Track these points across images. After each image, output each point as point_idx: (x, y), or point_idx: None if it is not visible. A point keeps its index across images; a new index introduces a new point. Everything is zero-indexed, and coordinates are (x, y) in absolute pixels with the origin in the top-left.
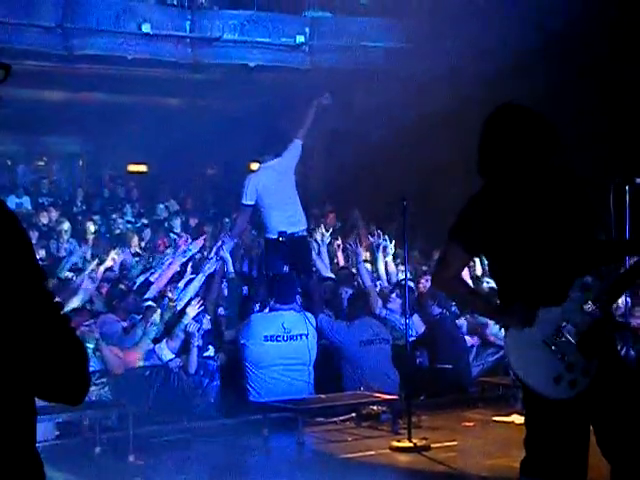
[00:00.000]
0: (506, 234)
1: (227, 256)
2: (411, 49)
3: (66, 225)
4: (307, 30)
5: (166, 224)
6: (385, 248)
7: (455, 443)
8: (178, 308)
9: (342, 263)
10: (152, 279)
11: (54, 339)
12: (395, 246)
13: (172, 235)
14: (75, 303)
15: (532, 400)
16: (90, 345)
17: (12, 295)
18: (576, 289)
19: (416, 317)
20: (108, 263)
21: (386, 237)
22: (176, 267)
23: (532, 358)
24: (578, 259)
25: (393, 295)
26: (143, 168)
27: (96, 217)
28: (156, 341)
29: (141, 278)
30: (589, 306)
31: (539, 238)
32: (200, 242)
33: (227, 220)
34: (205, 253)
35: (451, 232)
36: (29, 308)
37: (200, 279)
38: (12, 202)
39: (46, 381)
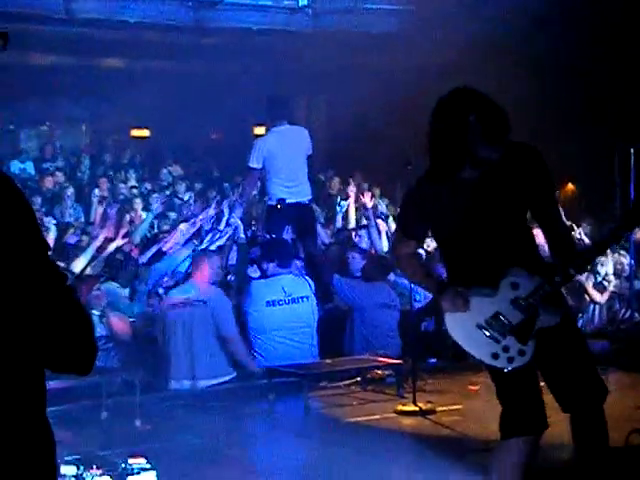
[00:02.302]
0: (441, 219)
1: (238, 222)
2: (415, 11)
3: (70, 190)
4: None
5: (170, 189)
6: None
7: (460, 407)
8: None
9: (353, 224)
10: (165, 248)
11: (60, 310)
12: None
13: (176, 200)
14: (79, 266)
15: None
16: (96, 312)
17: (18, 267)
18: (506, 284)
19: None
20: (119, 242)
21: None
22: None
23: (469, 338)
24: (511, 245)
25: None
26: (146, 133)
27: (100, 181)
28: None
29: (153, 249)
30: (520, 300)
31: (472, 223)
32: (211, 212)
33: (227, 185)
34: (213, 222)
35: (397, 218)
36: (35, 280)
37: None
38: (15, 167)
39: (53, 351)
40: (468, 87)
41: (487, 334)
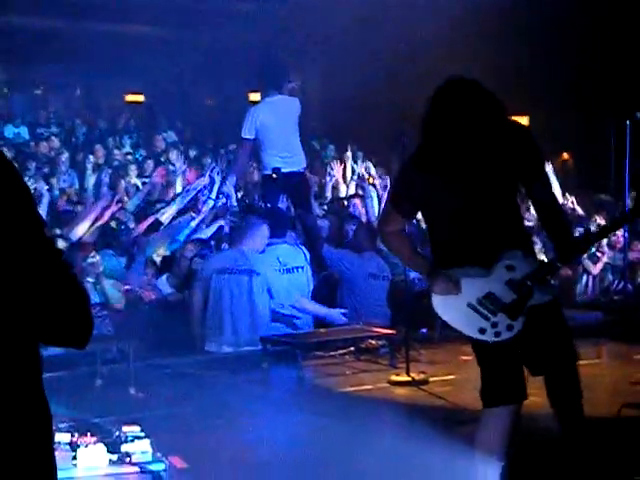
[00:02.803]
0: (433, 198)
1: (231, 191)
2: None
3: (65, 156)
4: None
5: (164, 156)
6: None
7: (453, 377)
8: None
9: (344, 193)
10: (162, 219)
11: (56, 285)
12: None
13: (170, 167)
14: (77, 234)
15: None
16: (91, 279)
17: (13, 243)
18: (501, 266)
19: None
20: (113, 209)
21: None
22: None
23: (458, 315)
24: (502, 224)
25: None
26: (140, 98)
27: (95, 147)
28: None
29: (150, 219)
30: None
31: (463, 203)
32: (205, 180)
33: (223, 151)
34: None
35: (388, 194)
36: (30, 256)
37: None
38: (10, 131)
39: (49, 326)
40: (464, 78)
41: (477, 312)
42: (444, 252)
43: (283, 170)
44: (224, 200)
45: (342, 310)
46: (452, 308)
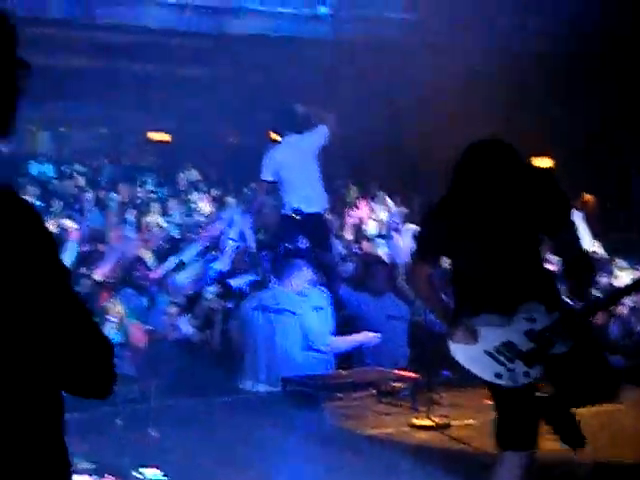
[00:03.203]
0: (456, 245)
1: (248, 232)
2: (434, 22)
3: (89, 194)
4: (329, 0)
5: (186, 195)
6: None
7: (475, 421)
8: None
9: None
10: (185, 259)
11: (79, 335)
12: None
13: (192, 205)
14: (101, 273)
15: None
16: (113, 319)
17: (37, 293)
18: (521, 317)
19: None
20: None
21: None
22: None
23: (475, 360)
24: (525, 279)
25: None
26: (165, 136)
27: (119, 186)
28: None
29: (172, 260)
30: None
31: (485, 251)
32: (226, 220)
33: (246, 190)
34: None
35: (415, 240)
36: (54, 305)
37: (224, 260)
38: (35, 169)
39: (72, 377)
40: (497, 140)
41: (494, 359)
42: (466, 297)
43: (304, 210)
44: (241, 242)
45: (374, 334)
46: (469, 354)
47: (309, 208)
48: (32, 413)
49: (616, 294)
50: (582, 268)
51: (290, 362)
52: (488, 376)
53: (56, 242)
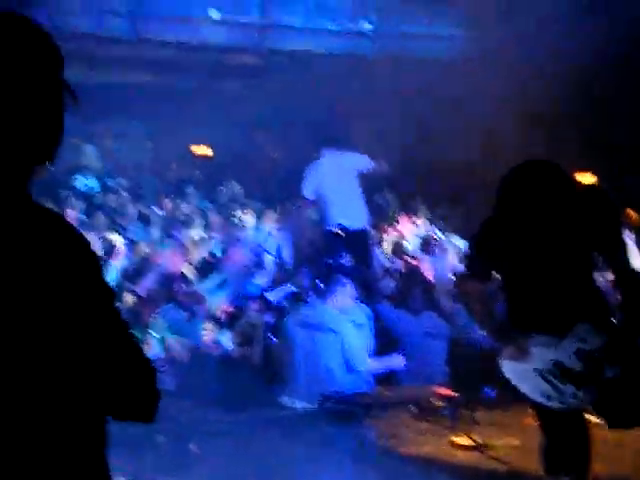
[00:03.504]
0: (507, 264)
1: (286, 247)
2: (477, 39)
3: (133, 208)
4: (373, 17)
5: (228, 209)
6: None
7: (516, 441)
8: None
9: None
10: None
11: (123, 360)
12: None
13: (235, 220)
14: (144, 288)
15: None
16: (155, 334)
17: (83, 319)
18: (572, 338)
19: None
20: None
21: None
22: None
23: (525, 378)
24: (576, 298)
25: None
26: (208, 151)
27: (162, 200)
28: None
29: (215, 278)
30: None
31: (536, 270)
32: (265, 235)
33: (290, 205)
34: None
35: (466, 255)
36: (100, 330)
37: (263, 275)
38: (80, 183)
39: (116, 401)
40: (544, 160)
41: (544, 379)
42: (517, 315)
43: (346, 227)
44: (280, 257)
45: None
46: (520, 373)
47: (351, 224)
48: (77, 438)
49: None
50: (634, 286)
51: (330, 379)
52: (537, 396)
53: (101, 264)
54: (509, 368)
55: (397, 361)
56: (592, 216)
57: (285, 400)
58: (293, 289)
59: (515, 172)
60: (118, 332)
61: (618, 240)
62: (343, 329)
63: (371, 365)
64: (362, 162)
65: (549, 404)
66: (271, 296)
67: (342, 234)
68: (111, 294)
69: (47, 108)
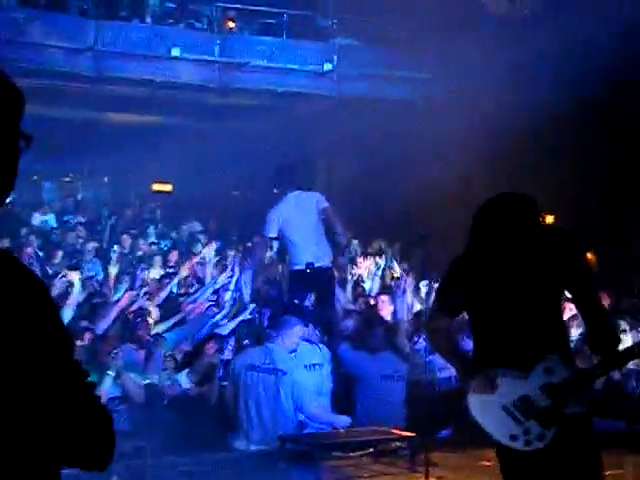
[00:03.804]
0: (476, 299)
1: (245, 286)
2: (437, 81)
3: (91, 245)
4: (335, 58)
5: (188, 247)
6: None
7: None
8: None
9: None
10: (188, 317)
11: (80, 409)
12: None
13: (195, 258)
14: (102, 327)
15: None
16: (111, 373)
17: (39, 365)
18: (540, 369)
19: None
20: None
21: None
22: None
23: (490, 417)
24: (544, 328)
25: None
26: (168, 188)
27: (121, 237)
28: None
29: (176, 317)
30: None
31: (506, 308)
32: (228, 273)
33: (249, 244)
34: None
35: (436, 293)
36: (56, 378)
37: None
38: (37, 219)
39: (72, 450)
40: (511, 193)
41: (511, 416)
42: (485, 350)
43: (315, 263)
44: (238, 294)
45: (347, 420)
46: (487, 409)
47: (318, 262)
48: None
49: (631, 354)
50: (608, 336)
51: (284, 421)
52: (503, 437)
53: (58, 311)
54: (475, 403)
55: (342, 422)
56: (564, 255)
57: (240, 444)
58: (242, 318)
59: (486, 205)
60: (74, 382)
61: (590, 285)
62: (291, 369)
63: (316, 413)
64: (323, 202)
65: (513, 445)
66: (223, 330)
67: (310, 272)
68: (68, 341)
69: (3, 156)
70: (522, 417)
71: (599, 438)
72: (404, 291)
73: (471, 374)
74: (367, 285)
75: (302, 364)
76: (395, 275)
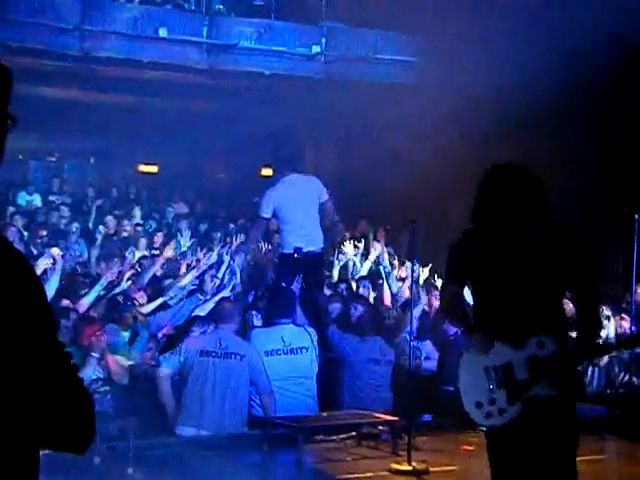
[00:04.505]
0: (481, 274)
1: (237, 270)
2: (424, 63)
3: (75, 225)
4: (323, 40)
5: (174, 228)
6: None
7: (455, 467)
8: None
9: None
10: (171, 302)
11: (62, 391)
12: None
13: (180, 240)
14: (84, 306)
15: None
16: (95, 354)
17: (22, 345)
18: (533, 342)
19: (428, 342)
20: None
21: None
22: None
23: (470, 379)
24: (542, 315)
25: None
26: (154, 169)
27: (106, 218)
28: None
29: (158, 301)
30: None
31: (506, 284)
32: (213, 258)
33: (232, 226)
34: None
35: (445, 263)
36: (38, 358)
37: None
38: (23, 199)
39: (52, 432)
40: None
41: (487, 378)
42: (482, 321)
43: (303, 249)
44: (228, 278)
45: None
46: (471, 368)
47: (308, 246)
48: (8, 469)
49: (618, 344)
50: (593, 325)
51: (237, 405)
52: (470, 404)
53: (44, 293)
54: (465, 362)
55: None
56: (572, 255)
57: (181, 429)
58: (223, 295)
59: (489, 174)
60: (57, 363)
61: (591, 284)
62: (247, 354)
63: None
64: (324, 194)
65: (476, 416)
66: (201, 311)
67: (298, 256)
68: (52, 322)
69: None
70: (495, 383)
71: (579, 423)
72: (392, 275)
73: (473, 331)
74: (356, 269)
75: (278, 343)
76: (381, 260)
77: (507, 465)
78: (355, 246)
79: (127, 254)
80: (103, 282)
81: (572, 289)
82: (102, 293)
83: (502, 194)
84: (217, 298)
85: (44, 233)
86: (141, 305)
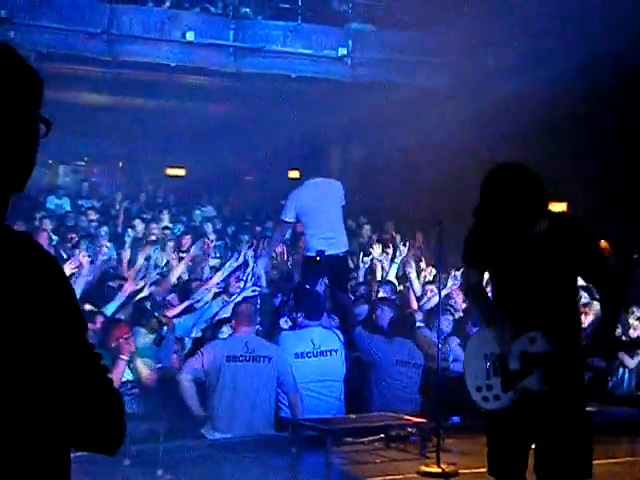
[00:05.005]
0: (493, 260)
1: (261, 272)
2: (450, 66)
3: (104, 229)
4: (349, 43)
5: (201, 231)
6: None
7: (483, 470)
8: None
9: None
10: (197, 305)
11: (92, 392)
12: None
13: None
14: (111, 309)
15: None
16: (124, 357)
17: (53, 347)
18: (526, 337)
19: (454, 341)
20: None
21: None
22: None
23: (472, 363)
24: (545, 308)
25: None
26: (181, 172)
27: (134, 222)
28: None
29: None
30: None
31: (514, 277)
32: (240, 260)
33: (259, 228)
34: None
35: (462, 252)
36: (69, 360)
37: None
38: (52, 202)
39: (82, 433)
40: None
41: (486, 365)
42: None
43: (326, 252)
44: (252, 281)
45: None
46: (475, 354)
47: (331, 250)
48: (40, 469)
49: (620, 343)
50: (615, 288)
51: (263, 409)
52: (472, 387)
53: (74, 295)
54: (471, 348)
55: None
56: (577, 236)
57: (213, 434)
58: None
59: (495, 174)
60: (87, 365)
61: (604, 268)
62: (274, 356)
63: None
64: (341, 190)
65: (476, 398)
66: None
67: (322, 259)
68: (83, 324)
69: (24, 141)
70: (493, 370)
71: (609, 423)
72: (416, 278)
73: (496, 316)
74: (379, 272)
75: (308, 346)
76: (411, 262)
77: (501, 448)
78: (383, 251)
79: (151, 255)
80: (128, 288)
81: (585, 275)
82: (125, 300)
83: (504, 192)
84: (239, 298)
85: (74, 237)
86: (172, 307)
